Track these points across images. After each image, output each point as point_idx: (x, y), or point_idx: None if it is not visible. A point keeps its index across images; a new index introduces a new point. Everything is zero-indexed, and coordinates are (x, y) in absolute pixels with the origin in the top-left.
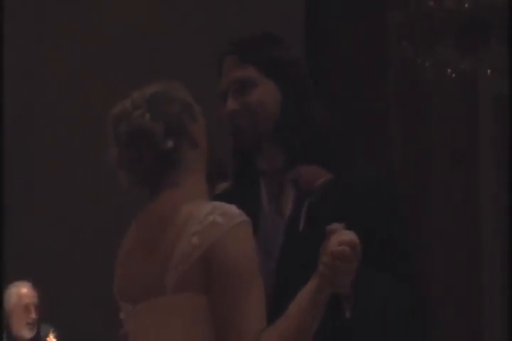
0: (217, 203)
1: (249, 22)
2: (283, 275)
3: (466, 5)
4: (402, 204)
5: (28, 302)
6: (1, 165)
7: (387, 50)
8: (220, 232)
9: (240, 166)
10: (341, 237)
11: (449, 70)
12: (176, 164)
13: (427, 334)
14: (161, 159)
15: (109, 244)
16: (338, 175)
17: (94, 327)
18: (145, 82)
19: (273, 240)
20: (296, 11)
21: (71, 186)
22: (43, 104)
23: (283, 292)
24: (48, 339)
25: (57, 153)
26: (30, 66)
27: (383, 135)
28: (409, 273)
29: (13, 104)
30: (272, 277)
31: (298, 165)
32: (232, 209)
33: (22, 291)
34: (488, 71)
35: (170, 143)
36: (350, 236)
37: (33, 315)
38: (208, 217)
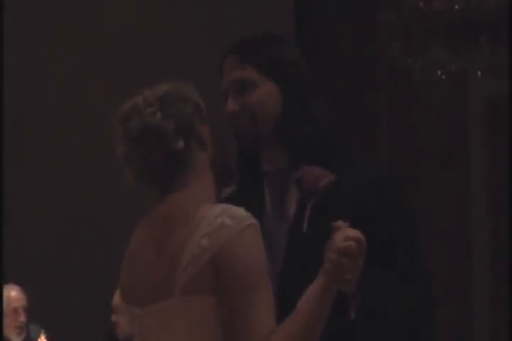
0: (226, 205)
1: (249, 22)
2: (288, 276)
3: (457, 6)
4: (407, 204)
5: (17, 305)
6: (1, 165)
7: (378, 51)
8: (229, 235)
9: (243, 167)
10: (347, 233)
11: (439, 72)
12: (185, 165)
13: (438, 335)
14: (170, 159)
15: (109, 244)
16: (338, 175)
17: (94, 327)
18: (145, 82)
19: (277, 241)
20: (295, 11)
21: (71, 186)
22: (43, 104)
23: (288, 293)
24: (39, 340)
25: (57, 153)
26: (30, 66)
27: (372, 135)
28: (416, 273)
29: (13, 104)
30: (277, 278)
31: (301, 166)
32: (241, 211)
33: (11, 294)
34: (479, 72)
35: (181, 144)
36: (355, 231)
37: (22, 318)
38: (217, 219)
